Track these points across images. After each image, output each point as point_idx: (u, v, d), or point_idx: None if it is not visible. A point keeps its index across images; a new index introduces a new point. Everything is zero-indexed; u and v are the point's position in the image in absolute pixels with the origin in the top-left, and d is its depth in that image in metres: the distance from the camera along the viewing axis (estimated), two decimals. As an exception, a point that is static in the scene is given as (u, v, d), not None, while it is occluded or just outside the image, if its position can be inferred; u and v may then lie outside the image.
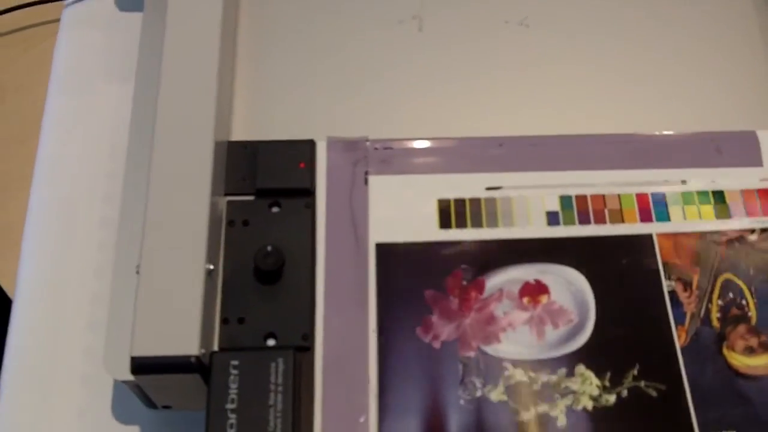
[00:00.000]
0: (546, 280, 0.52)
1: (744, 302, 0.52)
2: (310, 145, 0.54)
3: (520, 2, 0.62)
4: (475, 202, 0.53)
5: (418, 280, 0.51)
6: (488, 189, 0.54)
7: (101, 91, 0.65)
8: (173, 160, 0.52)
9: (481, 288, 0.51)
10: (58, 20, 0.69)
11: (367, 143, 0.55)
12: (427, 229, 0.53)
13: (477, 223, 0.53)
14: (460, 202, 0.53)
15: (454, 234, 0.53)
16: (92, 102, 0.65)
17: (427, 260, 0.52)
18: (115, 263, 0.52)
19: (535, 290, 0.52)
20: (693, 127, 0.57)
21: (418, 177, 0.55)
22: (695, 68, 0.60)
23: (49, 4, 0.69)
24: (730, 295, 0.52)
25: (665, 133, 0.56)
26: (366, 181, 0.54)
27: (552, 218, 0.53)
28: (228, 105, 0.57)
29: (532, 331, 0.51)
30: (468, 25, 0.61)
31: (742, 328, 0.51)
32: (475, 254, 0.52)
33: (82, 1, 0.69)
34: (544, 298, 0.51)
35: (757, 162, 0.55)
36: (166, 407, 0.51)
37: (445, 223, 0.53)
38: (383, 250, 0.52)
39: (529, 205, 0.53)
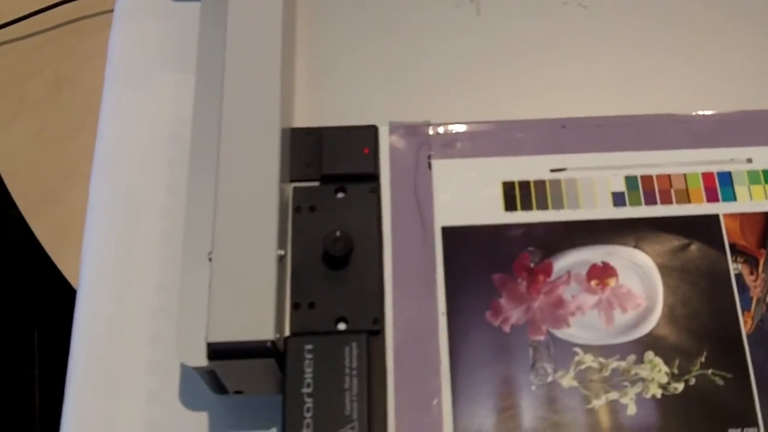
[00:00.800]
0: (613, 262, 0.52)
1: None
2: (374, 130, 0.55)
3: (577, -19, 0.62)
4: (540, 184, 0.54)
5: (486, 264, 0.52)
6: (552, 171, 0.54)
7: (157, 81, 0.66)
8: (241, 147, 0.52)
9: (548, 270, 0.51)
10: (111, 11, 0.70)
11: (429, 127, 0.55)
12: (492, 212, 0.53)
13: (542, 205, 0.53)
14: (524, 184, 0.54)
15: (519, 216, 0.53)
16: (149, 92, 0.65)
17: (494, 243, 0.52)
18: (183, 251, 0.53)
19: (602, 273, 0.52)
20: (754, 105, 0.56)
21: (481, 160, 0.55)
22: (753, 47, 0.59)
23: (103, -4, 0.70)
24: None
25: (728, 111, 0.56)
26: (429, 166, 0.54)
27: (618, 199, 0.54)
28: (291, 92, 0.57)
29: (601, 316, 0.51)
30: (526, 6, 0.61)
31: None
32: (541, 236, 0.52)
33: (136, -8, 0.70)
34: (612, 281, 0.52)
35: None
36: (237, 392, 0.52)
37: (510, 205, 0.53)
38: (449, 233, 0.52)
39: (594, 186, 0.54)
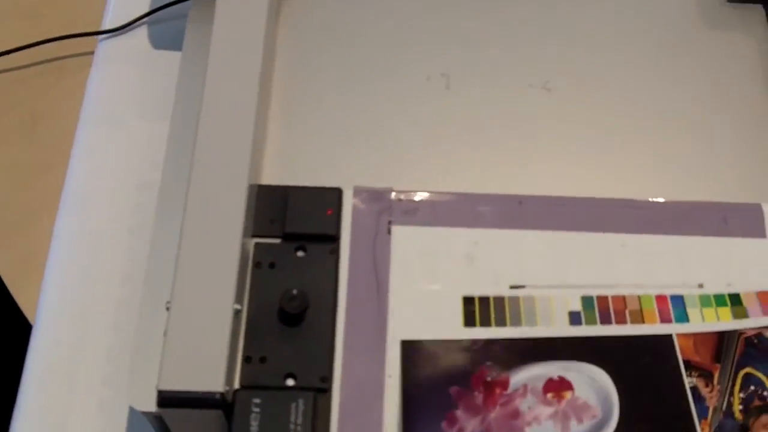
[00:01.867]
0: (569, 376, 0.53)
1: (766, 393, 0.54)
2: (338, 192, 0.57)
3: (543, 67, 0.64)
4: (499, 300, 0.55)
5: (444, 377, 0.53)
6: (512, 287, 0.56)
7: (131, 126, 0.67)
8: (208, 199, 0.54)
9: (505, 384, 0.53)
10: (92, 53, 0.72)
11: (392, 194, 0.57)
12: (452, 327, 0.55)
13: (501, 322, 0.55)
14: (484, 300, 0.55)
15: (478, 332, 0.54)
16: (122, 135, 0.67)
17: (452, 357, 0.54)
18: (142, 297, 0.54)
19: (558, 386, 0.53)
20: (703, 197, 0.59)
21: (440, 229, 0.57)
22: (708, 140, 0.62)
23: (85, 37, 0.71)
24: (752, 387, 0.54)
25: (675, 200, 0.58)
26: (389, 231, 0.56)
27: (574, 318, 0.55)
28: (261, 148, 0.59)
29: (557, 426, 0.52)
30: (494, 85, 0.63)
31: (765, 418, 0.53)
32: (499, 352, 0.54)
33: (116, 36, 0.72)
34: (568, 394, 0.53)
35: (762, 234, 0.57)
36: (184, 442, 0.53)
37: (469, 321, 0.55)
38: (409, 347, 0.54)
39: (551, 304, 0.55)
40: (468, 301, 0.56)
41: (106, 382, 0.59)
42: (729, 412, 0.53)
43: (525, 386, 0.53)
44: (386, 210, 0.57)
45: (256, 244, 0.55)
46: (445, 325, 0.55)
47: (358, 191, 0.57)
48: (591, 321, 0.55)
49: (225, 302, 0.51)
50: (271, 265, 0.54)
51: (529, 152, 0.62)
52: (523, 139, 0.62)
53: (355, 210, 0.57)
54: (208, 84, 0.58)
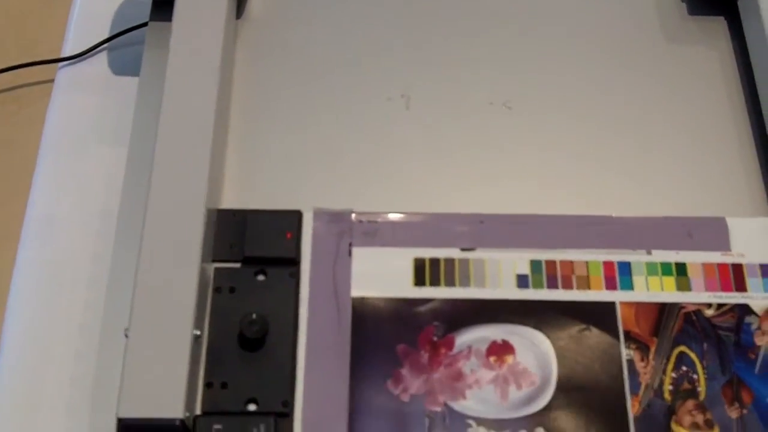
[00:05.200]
0: (513, 340, 0.58)
1: (695, 377, 0.58)
2: (298, 215, 0.58)
3: (504, 85, 0.67)
4: (450, 262, 0.60)
5: (392, 335, 0.58)
6: (463, 250, 0.58)
7: (92, 152, 0.69)
8: (165, 225, 0.56)
9: (450, 344, 0.57)
10: (52, 81, 0.73)
11: (352, 216, 0.59)
12: (402, 286, 0.58)
13: (450, 282, 0.59)
14: (435, 262, 0.59)
15: (428, 292, 0.58)
16: (83, 163, 0.69)
17: (401, 316, 0.58)
18: (102, 325, 0.55)
19: (502, 350, 0.58)
20: (666, 212, 0.61)
21: (401, 250, 0.58)
22: (669, 155, 0.66)
23: (44, 65, 0.73)
24: (684, 368, 0.58)
25: (639, 216, 0.61)
26: (350, 253, 0.58)
27: (522, 281, 0.60)
28: (219, 173, 0.61)
29: (497, 391, 0.57)
30: (453, 105, 0.66)
31: (690, 404, 0.57)
32: (446, 312, 0.58)
33: (76, 64, 0.73)
34: (509, 359, 0.57)
35: (726, 247, 0.60)
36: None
37: (419, 280, 0.59)
38: (358, 303, 0.58)
39: (500, 267, 0.60)
40: (419, 262, 0.59)
41: (70, 410, 0.60)
42: (659, 392, 0.58)
43: (469, 348, 0.58)
44: (347, 232, 0.59)
45: (216, 268, 0.57)
46: (395, 284, 0.58)
47: (318, 213, 0.59)
48: (538, 285, 0.60)
49: (184, 328, 0.53)
50: (231, 290, 0.56)
51: (490, 171, 0.65)
52: (485, 158, 0.65)
53: (315, 232, 0.59)
54: (164, 109, 0.60)
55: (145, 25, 0.71)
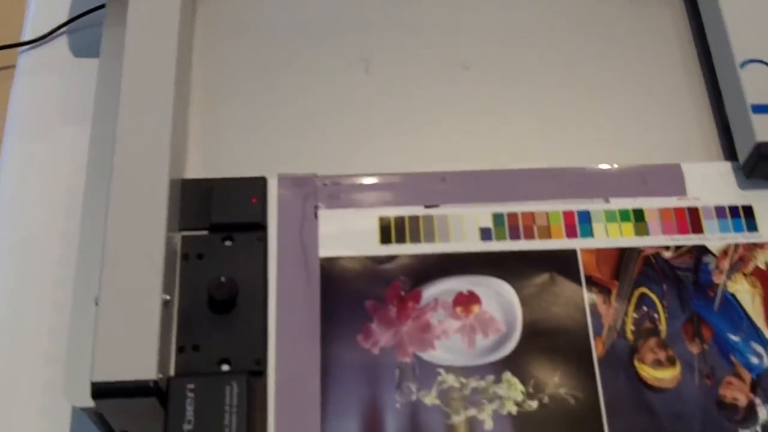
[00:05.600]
0: (478, 291, 0.60)
1: (656, 316, 0.60)
2: (262, 181, 0.60)
3: (461, 47, 0.69)
4: (414, 219, 0.62)
5: (360, 291, 0.60)
6: (426, 207, 0.61)
7: (57, 134, 0.71)
8: (130, 198, 0.57)
9: (417, 298, 0.59)
10: (13, 66, 0.74)
11: (316, 179, 0.60)
12: (368, 245, 0.60)
13: (415, 239, 0.61)
14: (399, 219, 0.62)
15: (393, 249, 0.61)
16: (48, 143, 0.70)
17: (368, 273, 0.60)
18: (74, 297, 0.57)
19: (467, 300, 0.60)
20: (623, 161, 0.63)
21: (366, 210, 0.60)
22: (624, 106, 0.68)
23: (5, 50, 0.74)
24: (644, 308, 0.61)
25: (596, 166, 0.63)
26: (316, 215, 0.59)
27: (485, 234, 0.61)
28: (182, 144, 0.62)
29: (464, 340, 0.59)
30: (412, 67, 0.68)
31: (652, 342, 0.59)
32: (412, 267, 0.60)
33: (37, 48, 0.74)
34: (476, 308, 0.59)
35: (682, 192, 0.62)
36: (123, 432, 0.56)
37: (385, 238, 0.61)
38: (326, 263, 0.60)
39: (463, 221, 0.62)
40: (384, 221, 0.62)
41: (47, 387, 0.61)
42: (622, 332, 0.60)
43: (436, 300, 0.60)
44: (311, 195, 0.61)
45: (183, 236, 0.59)
46: (361, 243, 0.61)
47: (282, 179, 0.61)
48: (501, 237, 0.62)
49: (153, 293, 0.54)
50: (199, 256, 0.58)
51: (450, 131, 0.67)
52: (444, 119, 0.67)
53: (281, 197, 0.60)
54: (124, 84, 0.61)
55: (103, 6, 0.72)
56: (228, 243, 0.60)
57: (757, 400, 0.58)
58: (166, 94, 0.62)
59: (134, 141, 0.60)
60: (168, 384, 0.54)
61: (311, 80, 0.68)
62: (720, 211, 0.64)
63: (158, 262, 0.56)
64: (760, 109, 0.63)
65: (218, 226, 0.60)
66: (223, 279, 0.57)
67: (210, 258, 0.59)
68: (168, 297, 0.56)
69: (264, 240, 0.60)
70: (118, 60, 0.64)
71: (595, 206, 0.63)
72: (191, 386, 0.54)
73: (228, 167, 0.64)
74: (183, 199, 0.61)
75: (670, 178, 0.65)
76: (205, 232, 0.60)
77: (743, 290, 0.61)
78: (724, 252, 0.62)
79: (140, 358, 0.53)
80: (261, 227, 0.60)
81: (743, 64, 0.65)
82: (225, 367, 0.56)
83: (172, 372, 0.56)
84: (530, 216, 0.63)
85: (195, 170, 0.64)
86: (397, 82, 0.69)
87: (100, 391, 0.53)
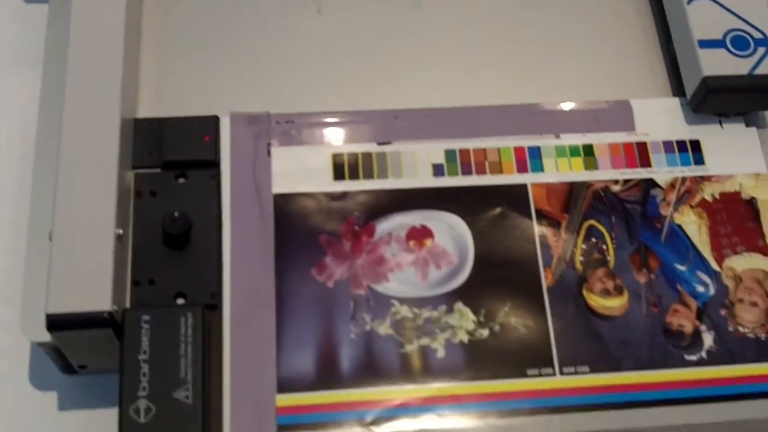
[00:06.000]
0: (430, 225, 0.61)
1: (604, 247, 0.62)
2: (215, 120, 0.61)
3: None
4: (367, 156, 0.64)
5: (314, 227, 0.61)
6: (379, 144, 0.63)
7: (9, 80, 0.71)
8: (82, 137, 0.58)
9: (371, 232, 0.60)
10: (-36, 14, 0.74)
11: (269, 117, 0.62)
12: (322, 181, 0.62)
13: (368, 175, 0.63)
14: (352, 156, 0.63)
15: (347, 185, 0.62)
16: (1, 90, 0.70)
17: (322, 208, 0.62)
18: (29, 236, 0.58)
19: (420, 234, 0.61)
20: (573, 98, 0.66)
21: (318, 147, 0.61)
22: (574, 43, 0.70)
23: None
24: (593, 240, 0.63)
25: (547, 103, 0.66)
26: (269, 153, 0.60)
27: (437, 170, 0.63)
28: (134, 84, 0.64)
29: (417, 272, 0.60)
30: (364, 6, 0.69)
31: (600, 272, 0.61)
32: (366, 202, 0.62)
33: (-13, -5, 0.75)
34: (428, 242, 0.61)
35: (631, 127, 0.64)
36: (82, 367, 0.57)
37: (339, 175, 0.62)
38: (281, 200, 0.61)
39: (416, 158, 0.63)
40: (337, 158, 0.63)
41: (4, 328, 0.62)
42: (571, 263, 0.62)
43: (390, 234, 0.62)
44: (264, 133, 0.62)
45: (136, 174, 0.59)
46: (315, 179, 0.62)
47: (235, 117, 0.62)
48: (453, 173, 0.64)
49: (106, 227, 0.56)
50: (152, 193, 0.59)
51: (402, 68, 0.68)
52: (396, 56, 0.68)
53: (233, 135, 0.62)
54: (73, 26, 0.62)
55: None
56: (181, 180, 0.61)
57: (703, 327, 0.61)
58: (116, 34, 0.63)
59: (85, 81, 0.61)
60: (123, 315, 0.55)
61: (264, 20, 0.69)
62: (668, 146, 0.66)
63: (111, 198, 0.57)
64: (706, 44, 0.65)
65: (171, 164, 0.61)
66: (176, 214, 0.58)
67: (163, 195, 0.60)
68: (121, 231, 0.57)
69: (217, 177, 0.61)
70: (67, 3, 0.65)
71: (546, 142, 0.65)
72: (146, 318, 0.55)
73: (181, 106, 0.65)
74: (136, 137, 0.62)
75: (619, 114, 0.67)
76: (158, 170, 0.61)
77: (690, 221, 0.64)
78: (672, 185, 0.64)
79: (95, 290, 0.54)
80: (214, 165, 0.62)
81: (690, 0, 0.67)
82: (180, 301, 0.57)
83: (127, 305, 0.57)
84: (482, 152, 0.64)
85: (148, 109, 0.65)
86: (350, 21, 0.69)
87: (55, 323, 0.54)
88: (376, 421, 0.56)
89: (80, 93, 0.61)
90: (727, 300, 0.61)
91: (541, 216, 0.63)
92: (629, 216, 0.63)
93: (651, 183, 0.64)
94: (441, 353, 0.58)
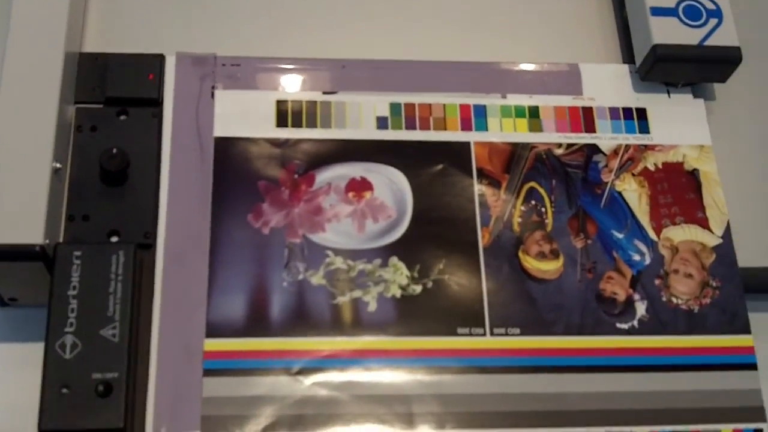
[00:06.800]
0: (371, 177, 0.63)
1: (543, 210, 0.64)
2: (160, 59, 0.62)
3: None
4: (312, 104, 0.65)
5: (253, 172, 0.62)
6: (325, 93, 0.64)
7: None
8: (24, 68, 0.59)
9: (311, 181, 0.62)
10: None
11: (215, 59, 0.62)
12: (264, 127, 0.63)
13: (312, 124, 0.64)
14: (297, 104, 0.64)
15: (289, 132, 0.64)
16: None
17: (263, 154, 0.63)
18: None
19: (360, 186, 0.63)
20: (522, 59, 0.67)
21: (263, 93, 0.62)
22: (527, 4, 0.71)
23: None
24: (533, 202, 0.64)
25: (495, 62, 0.67)
26: (212, 95, 0.61)
27: (381, 122, 0.65)
28: (80, 19, 0.64)
29: (354, 224, 0.62)
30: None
31: (538, 234, 0.63)
32: (307, 151, 0.63)
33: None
34: (367, 194, 0.62)
35: (578, 91, 0.65)
36: (12, 300, 0.58)
37: (282, 122, 0.64)
38: (222, 143, 0.62)
39: (361, 109, 0.65)
40: (281, 104, 0.64)
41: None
42: (509, 224, 0.63)
43: (329, 184, 0.63)
44: (209, 75, 0.63)
45: (77, 108, 0.60)
46: (257, 125, 0.63)
47: (180, 57, 0.63)
48: (397, 126, 0.65)
49: (43, 160, 0.56)
50: (93, 129, 0.60)
51: (352, 18, 0.69)
52: (347, 6, 0.69)
53: (178, 75, 0.63)
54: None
55: None
56: (122, 117, 0.62)
57: (636, 296, 0.62)
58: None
59: (31, 13, 0.61)
60: (55, 250, 0.56)
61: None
62: (614, 112, 0.67)
63: (50, 131, 0.58)
64: (658, 11, 0.67)
65: (113, 100, 0.62)
66: (114, 150, 0.59)
67: (103, 131, 0.61)
68: (59, 165, 0.58)
69: (159, 116, 0.62)
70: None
71: (492, 101, 0.66)
72: (78, 253, 0.56)
73: (127, 43, 0.65)
74: (79, 72, 0.63)
75: (567, 78, 0.68)
76: (100, 106, 0.62)
77: (630, 189, 0.65)
78: (615, 152, 0.66)
79: (28, 223, 0.55)
80: (156, 103, 0.62)
81: (646, -33, 0.69)
82: (114, 239, 0.58)
83: (60, 240, 0.58)
84: (427, 107, 0.65)
85: (93, 45, 0.65)
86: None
87: (-15, 255, 0.55)
88: (303, 371, 0.58)
89: (25, 24, 0.61)
90: (662, 270, 0.63)
91: (482, 175, 0.64)
92: (570, 180, 0.65)
93: (594, 148, 0.66)
94: (373, 307, 0.60)
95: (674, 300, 0.62)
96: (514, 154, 0.65)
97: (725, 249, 0.64)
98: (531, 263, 0.62)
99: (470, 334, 0.60)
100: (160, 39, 0.66)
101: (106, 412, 0.53)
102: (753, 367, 0.61)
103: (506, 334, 0.60)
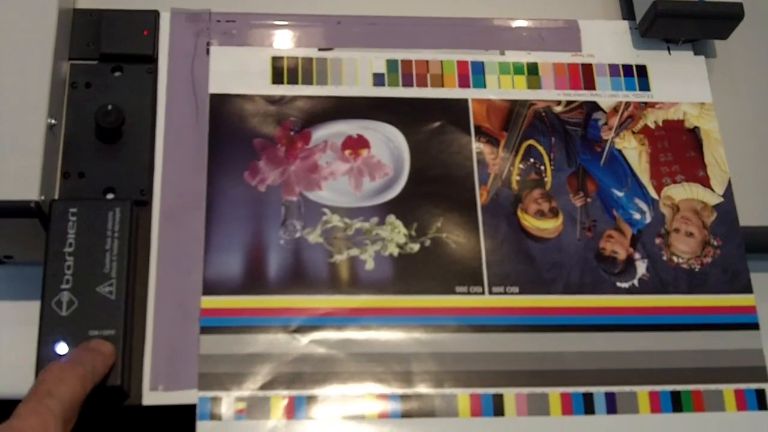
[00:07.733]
0: (367, 135, 0.64)
1: (542, 168, 0.65)
2: (154, 15, 0.63)
3: None
4: (307, 61, 0.66)
5: (248, 129, 0.63)
6: (320, 50, 0.65)
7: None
8: (18, 25, 0.60)
9: (307, 138, 0.63)
10: None
11: (210, 15, 0.63)
12: (260, 84, 0.64)
13: (308, 81, 0.65)
14: (292, 60, 0.65)
15: (285, 89, 0.64)
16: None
17: (258, 111, 0.64)
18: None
19: (356, 144, 0.64)
20: (521, 15, 0.68)
21: (259, 50, 0.63)
22: None
23: None
24: (531, 160, 0.65)
25: (493, 19, 0.69)
26: (207, 52, 0.62)
27: (378, 79, 0.66)
28: (75, -26, 0.65)
29: (351, 182, 0.63)
30: None
31: (536, 193, 0.64)
32: (303, 108, 0.64)
33: None
34: (364, 152, 0.63)
35: (577, 48, 0.66)
36: (8, 257, 0.59)
37: (277, 78, 0.65)
38: (217, 100, 0.63)
39: (357, 66, 0.65)
40: (277, 61, 0.65)
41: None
42: (507, 182, 0.65)
43: (325, 142, 0.64)
44: (204, 31, 0.64)
45: (72, 64, 0.61)
46: (253, 82, 0.64)
47: (175, 13, 0.64)
48: (393, 83, 0.66)
49: (38, 116, 0.57)
50: (88, 85, 0.61)
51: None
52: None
53: (173, 32, 0.64)
54: None
55: None
56: (117, 74, 0.63)
57: (636, 255, 0.64)
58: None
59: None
60: (50, 206, 0.57)
61: None
62: (613, 69, 0.68)
63: (44, 87, 0.59)
64: (659, -34, 0.68)
65: (108, 56, 0.63)
66: (109, 107, 0.60)
67: (98, 87, 0.62)
68: (54, 121, 0.59)
69: (153, 72, 0.63)
70: None
71: (490, 58, 0.67)
72: (73, 210, 0.57)
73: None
74: (74, 28, 0.64)
75: (566, 34, 0.69)
76: (94, 62, 0.63)
77: (630, 147, 0.66)
78: (615, 109, 0.67)
79: (23, 179, 0.56)
80: (151, 60, 0.64)
81: (647, -77, 0.70)
82: (110, 196, 0.60)
83: (56, 197, 0.59)
84: (424, 64, 0.67)
85: (87, 0, 0.66)
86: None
87: (-21, 218, 0.56)
88: (300, 329, 0.59)
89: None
90: (662, 229, 0.64)
91: (480, 133, 0.65)
92: (569, 138, 0.66)
93: (594, 106, 0.67)
94: (370, 265, 0.61)
95: (675, 259, 0.64)
96: (512, 111, 0.66)
97: (726, 208, 0.65)
98: (530, 222, 0.63)
99: (468, 293, 0.61)
100: (154, -6, 0.67)
101: (103, 369, 0.55)
102: (755, 326, 0.62)
103: (505, 293, 0.61)
